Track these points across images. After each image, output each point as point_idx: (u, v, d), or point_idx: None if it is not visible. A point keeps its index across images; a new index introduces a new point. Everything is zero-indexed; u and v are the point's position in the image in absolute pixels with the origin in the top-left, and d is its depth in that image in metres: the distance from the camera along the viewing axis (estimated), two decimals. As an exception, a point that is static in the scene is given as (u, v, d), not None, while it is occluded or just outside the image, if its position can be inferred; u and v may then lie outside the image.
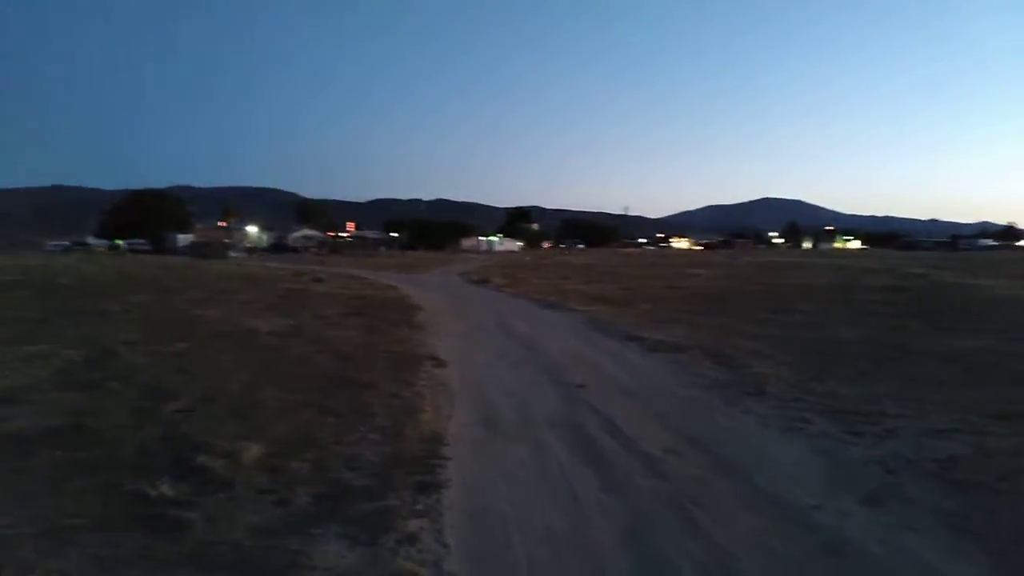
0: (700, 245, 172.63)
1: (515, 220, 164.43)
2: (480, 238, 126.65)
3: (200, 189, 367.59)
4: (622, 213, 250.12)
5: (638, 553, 4.01)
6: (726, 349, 11.24)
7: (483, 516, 4.56)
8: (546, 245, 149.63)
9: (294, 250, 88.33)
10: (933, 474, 5.31)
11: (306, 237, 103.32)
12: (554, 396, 8.11)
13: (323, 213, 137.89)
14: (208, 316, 14.85)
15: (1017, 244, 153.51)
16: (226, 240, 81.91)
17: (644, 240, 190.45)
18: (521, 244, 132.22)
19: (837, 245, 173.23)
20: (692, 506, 4.71)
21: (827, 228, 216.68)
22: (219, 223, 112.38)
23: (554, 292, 23.33)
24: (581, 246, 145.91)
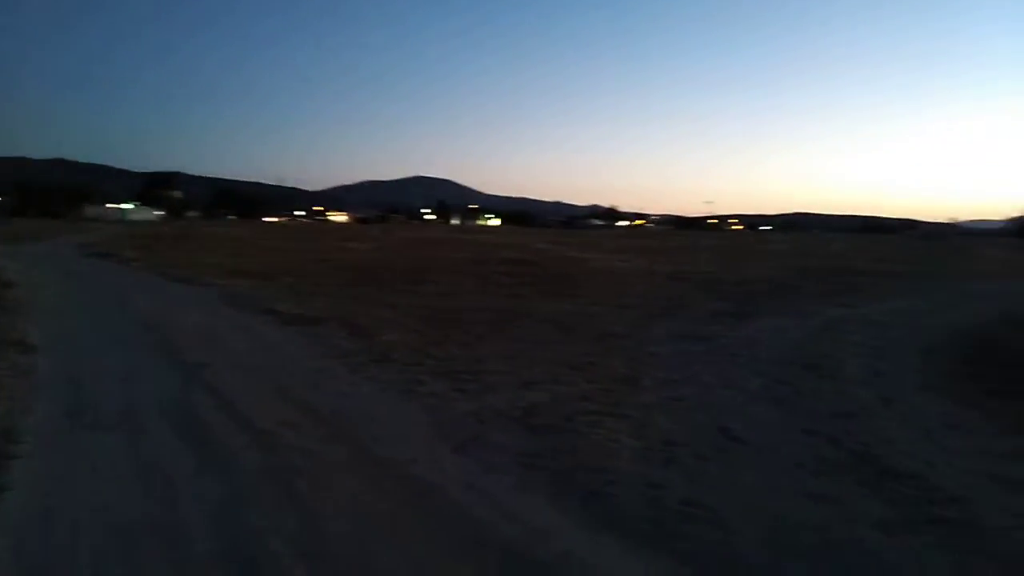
0: (358, 219, 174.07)
1: (154, 187, 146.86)
2: (110, 206, 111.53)
3: None
4: (278, 184, 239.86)
5: (227, 533, 3.93)
6: (362, 320, 11.53)
7: (50, 519, 4.05)
8: (193, 215, 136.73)
9: None
10: (517, 420, 6.11)
11: None
12: (169, 378, 7.51)
13: None
14: None
15: (617, 224, 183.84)
16: None
17: (301, 212, 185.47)
18: (161, 213, 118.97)
19: (481, 223, 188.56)
20: (295, 477, 4.76)
21: (472, 207, 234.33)
22: None
23: (192, 266, 21.52)
24: (232, 217, 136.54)
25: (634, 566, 3.64)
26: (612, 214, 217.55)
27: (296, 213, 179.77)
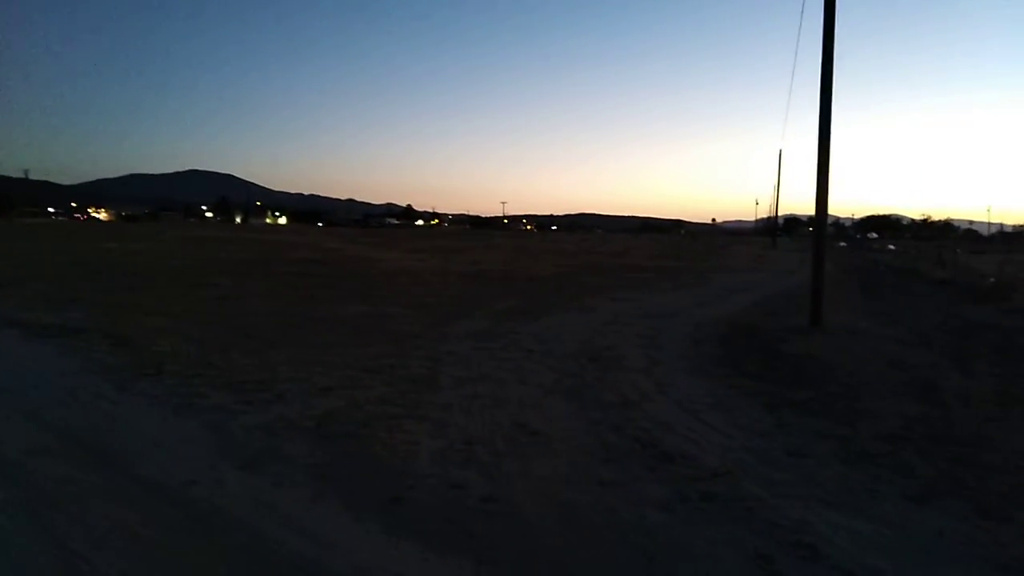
0: (124, 217, 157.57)
1: None
2: None
3: None
4: (22, 177, 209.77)
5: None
6: (130, 329, 10.39)
7: None
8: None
9: None
10: (310, 430, 5.80)
11: None
12: None
13: None
14: None
15: (414, 223, 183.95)
16: None
17: (54, 210, 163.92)
18: None
19: (268, 221, 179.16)
20: (50, 511, 4.12)
21: (258, 204, 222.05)
22: None
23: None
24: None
25: (435, 570, 3.58)
26: (409, 213, 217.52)
27: (49, 210, 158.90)
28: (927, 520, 4.21)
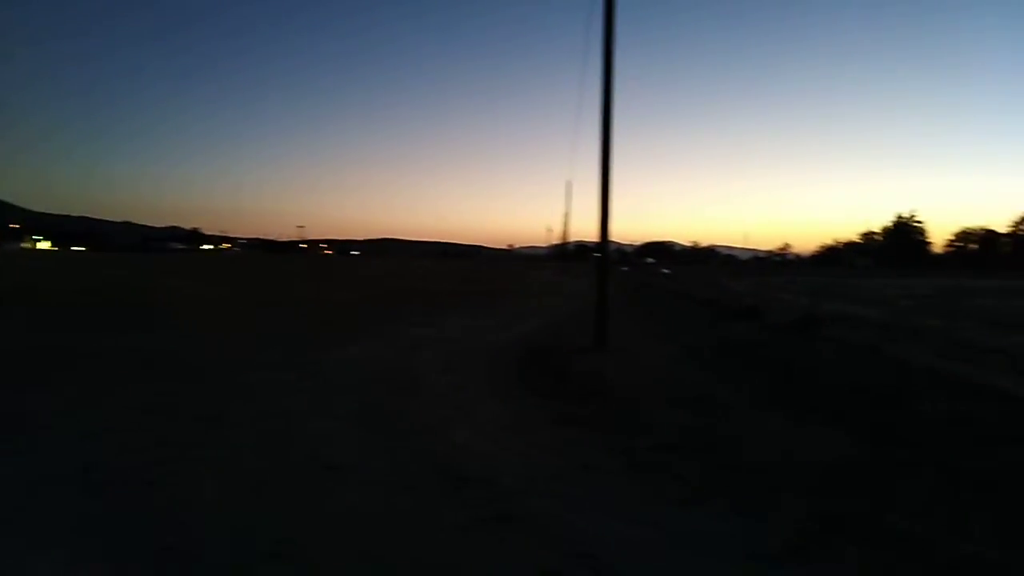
0: None
1: None
2: None
3: None
4: None
5: None
6: None
7: None
8: None
9: None
10: (77, 482, 5.21)
11: None
12: None
13: None
14: None
15: (203, 247, 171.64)
16: None
17: None
18: None
19: (26, 245, 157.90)
20: None
21: (13, 226, 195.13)
22: None
23: None
24: None
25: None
26: (196, 236, 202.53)
27: None
28: (693, 521, 4.68)
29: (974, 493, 5.09)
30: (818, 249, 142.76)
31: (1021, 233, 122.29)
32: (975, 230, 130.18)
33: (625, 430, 7.09)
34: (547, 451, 6.40)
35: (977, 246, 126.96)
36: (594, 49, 13.72)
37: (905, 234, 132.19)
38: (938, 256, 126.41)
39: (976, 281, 55.59)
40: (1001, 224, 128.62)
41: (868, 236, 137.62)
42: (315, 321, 16.91)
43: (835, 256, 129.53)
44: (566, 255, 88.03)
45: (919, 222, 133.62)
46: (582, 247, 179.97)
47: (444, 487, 5.34)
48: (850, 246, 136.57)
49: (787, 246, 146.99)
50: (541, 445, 6.62)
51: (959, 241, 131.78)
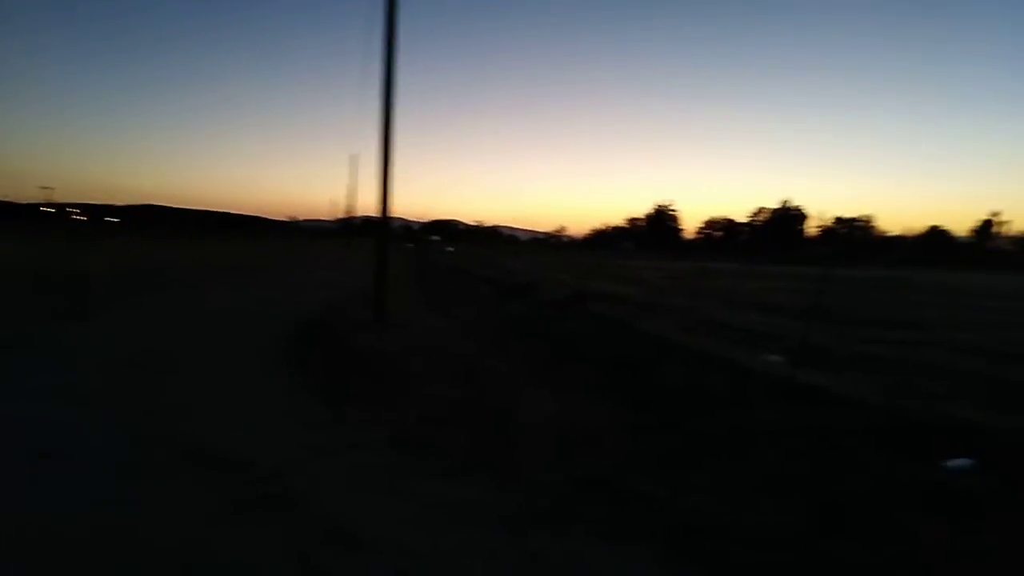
0: None
1: None
2: None
3: None
4: None
5: None
6: None
7: None
8: None
9: None
10: None
11: None
12: None
13: None
14: None
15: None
16: None
17: None
18: None
19: None
20: None
21: None
22: None
23: None
24: None
25: None
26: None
27: None
28: (453, 493, 4.77)
29: (702, 452, 5.74)
30: (590, 232, 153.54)
31: (756, 223, 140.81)
32: (719, 219, 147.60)
33: (395, 405, 7.07)
34: (312, 429, 6.19)
35: (721, 233, 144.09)
36: (379, 19, 13.40)
37: (663, 221, 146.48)
38: (689, 242, 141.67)
39: (719, 264, 63.09)
40: (741, 215, 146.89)
41: (633, 222, 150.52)
42: (59, 291, 14.87)
43: (604, 239, 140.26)
44: (351, 230, 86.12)
45: (674, 210, 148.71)
46: (368, 222, 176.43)
47: (197, 472, 4.94)
48: (617, 230, 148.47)
49: (563, 228, 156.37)
50: (307, 423, 6.39)
51: (707, 229, 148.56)
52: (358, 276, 27.94)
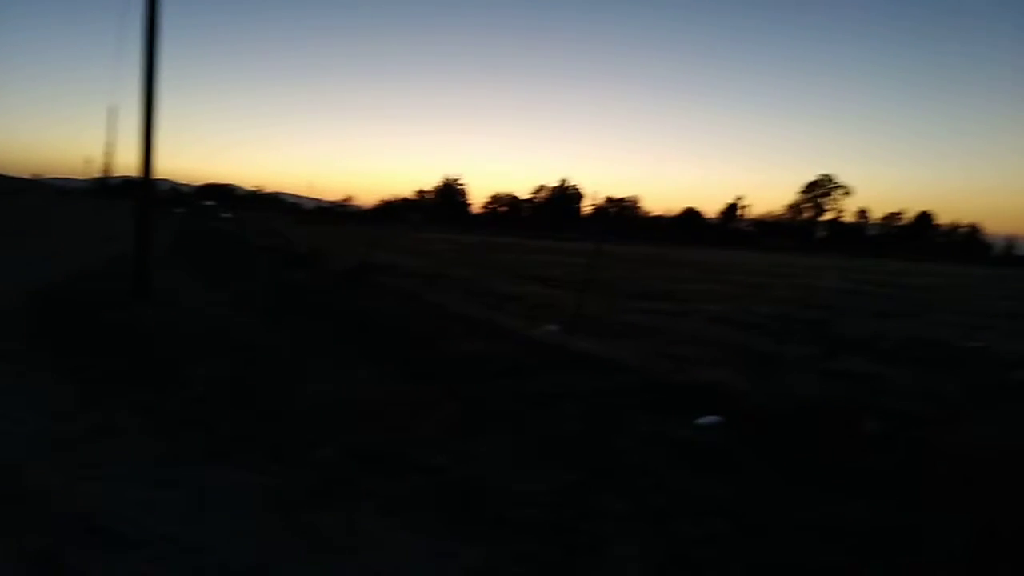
0: None
1: None
2: None
3: None
4: None
5: None
6: None
7: None
8: None
9: None
10: None
11: None
12: None
13: None
14: None
15: None
16: None
17: None
18: None
19: None
20: None
21: None
22: None
23: None
24: None
25: None
26: None
27: None
28: (226, 476, 4.44)
29: (482, 420, 5.90)
30: (378, 202, 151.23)
31: (538, 200, 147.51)
32: (504, 195, 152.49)
33: (158, 386, 6.43)
34: (64, 418, 5.44)
35: (506, 209, 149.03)
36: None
37: (451, 195, 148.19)
38: (477, 216, 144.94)
39: (503, 238, 65.41)
40: (525, 191, 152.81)
41: (422, 194, 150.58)
42: None
43: (393, 210, 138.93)
44: (110, 191, 76.78)
45: (463, 184, 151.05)
46: (129, 183, 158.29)
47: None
48: (406, 202, 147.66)
49: (350, 198, 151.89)
50: (51, 409, 5.62)
51: (493, 204, 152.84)
52: (118, 242, 25.05)
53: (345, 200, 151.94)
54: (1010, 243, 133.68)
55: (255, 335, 9.33)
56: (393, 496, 4.24)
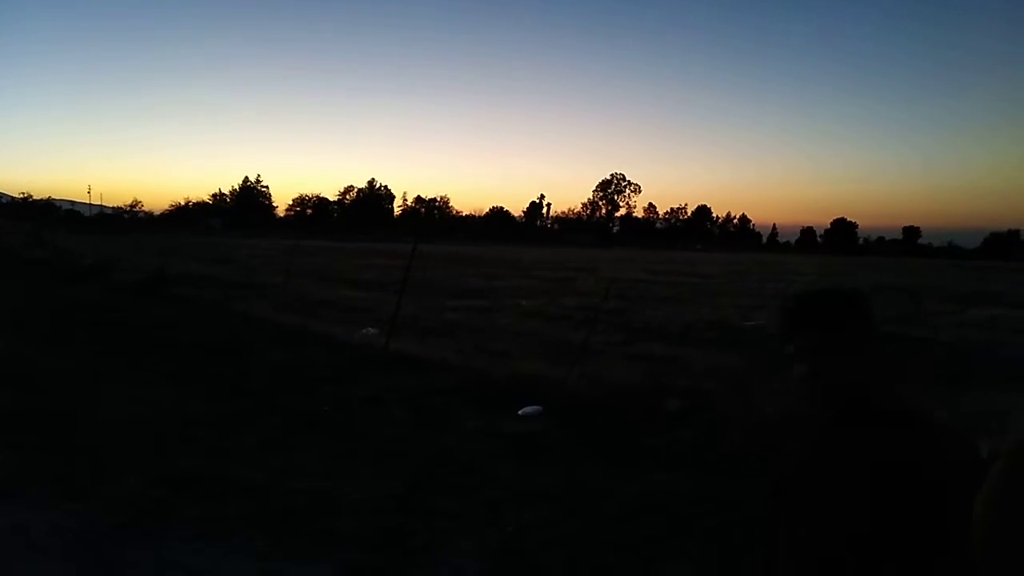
0: None
1: None
2: None
3: None
4: None
5: None
6: None
7: None
8: None
9: None
10: None
11: None
12: None
13: None
14: None
15: None
16: None
17: None
18: None
19: None
20: None
21: None
22: None
23: None
24: None
25: None
26: None
27: None
28: (10, 516, 3.92)
29: (304, 431, 5.69)
30: (169, 207, 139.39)
31: (346, 202, 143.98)
32: (310, 197, 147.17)
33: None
34: None
35: (312, 211, 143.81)
36: None
37: (252, 198, 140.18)
38: (281, 219, 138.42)
39: (312, 242, 63.14)
40: (332, 193, 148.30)
41: (218, 198, 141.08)
42: None
43: (187, 216, 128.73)
44: None
45: (265, 187, 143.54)
46: None
47: None
48: (201, 207, 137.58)
49: (138, 203, 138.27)
50: None
51: (298, 206, 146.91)
52: None
53: (132, 205, 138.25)
54: (774, 231, 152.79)
55: (30, 359, 8.26)
56: (211, 520, 3.97)
